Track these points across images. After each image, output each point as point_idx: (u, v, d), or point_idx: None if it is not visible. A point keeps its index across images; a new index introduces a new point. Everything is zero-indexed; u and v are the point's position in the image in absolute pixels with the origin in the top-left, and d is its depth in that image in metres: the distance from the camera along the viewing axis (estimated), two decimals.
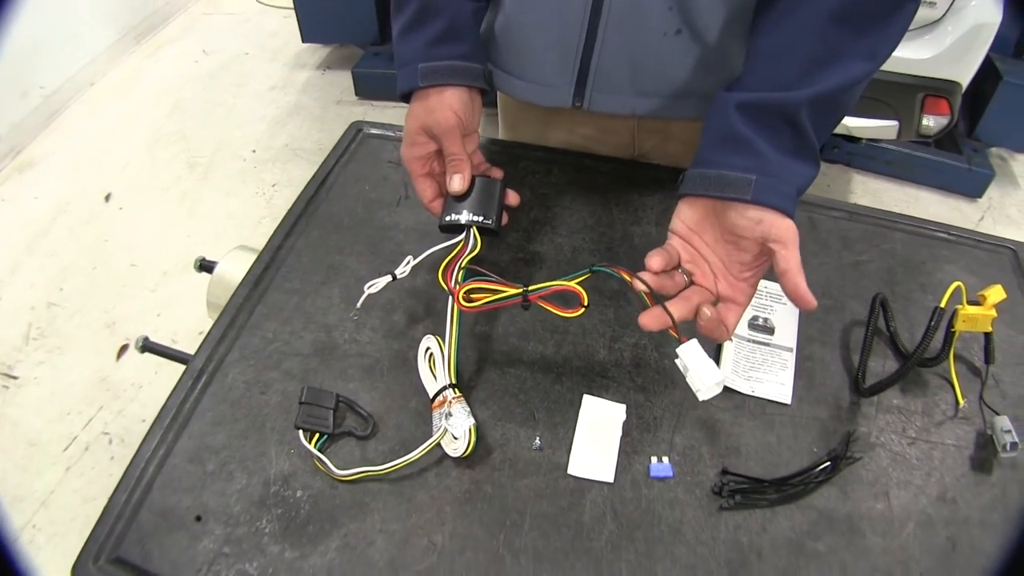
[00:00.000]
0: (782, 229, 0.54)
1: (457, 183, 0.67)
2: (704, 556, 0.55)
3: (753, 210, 0.55)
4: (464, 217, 0.67)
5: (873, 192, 2.30)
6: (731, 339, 0.67)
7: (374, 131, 0.92)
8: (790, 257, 0.53)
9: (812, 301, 0.53)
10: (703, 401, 0.56)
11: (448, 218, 0.67)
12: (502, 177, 0.71)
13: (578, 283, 0.58)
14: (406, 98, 0.69)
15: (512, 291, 0.59)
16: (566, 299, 0.59)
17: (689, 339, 0.57)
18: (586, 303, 0.58)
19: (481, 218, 0.67)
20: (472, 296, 0.60)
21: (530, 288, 0.58)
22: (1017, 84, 2.06)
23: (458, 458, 0.59)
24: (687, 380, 0.57)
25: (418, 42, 0.67)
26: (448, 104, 0.66)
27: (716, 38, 0.70)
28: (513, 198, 0.70)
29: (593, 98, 0.76)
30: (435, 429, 0.60)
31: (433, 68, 0.66)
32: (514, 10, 0.73)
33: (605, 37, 0.71)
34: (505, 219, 0.69)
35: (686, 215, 0.59)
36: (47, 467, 1.55)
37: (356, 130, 0.92)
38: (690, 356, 0.56)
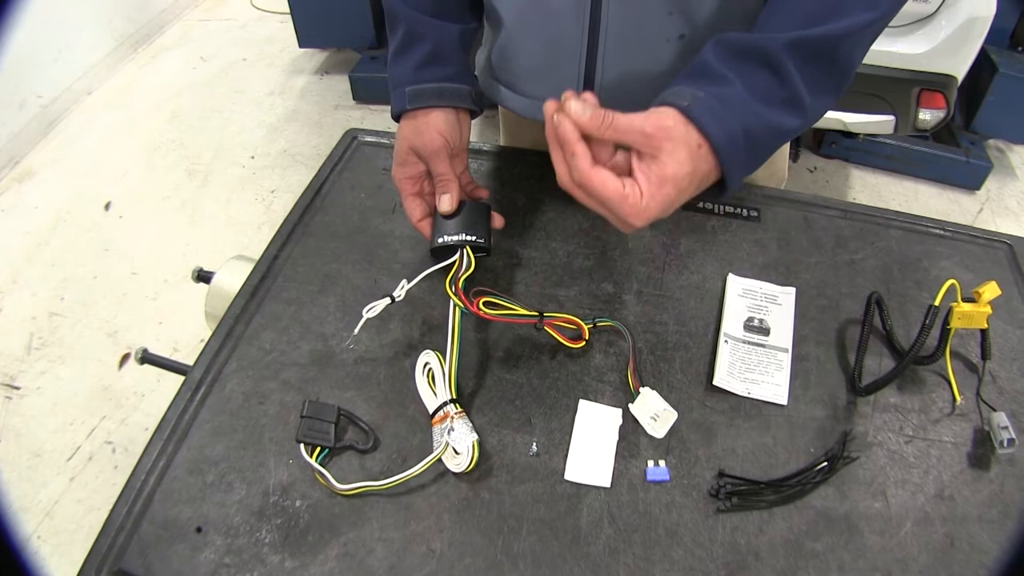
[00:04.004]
0: (665, 128, 0.50)
1: (446, 203, 0.68)
2: (702, 558, 0.55)
3: (674, 114, 0.51)
4: (455, 238, 0.68)
5: (872, 187, 2.30)
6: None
7: (368, 139, 0.92)
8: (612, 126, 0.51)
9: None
10: (698, 405, 0.58)
11: (440, 240, 0.68)
12: (488, 197, 0.73)
13: (588, 326, 0.66)
14: (399, 120, 0.70)
15: (528, 312, 0.65)
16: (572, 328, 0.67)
17: (640, 391, 0.63)
18: (587, 337, 0.67)
19: (473, 237, 0.68)
20: (487, 308, 0.64)
21: (545, 313, 0.65)
22: (1013, 76, 2.05)
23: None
24: (645, 428, 0.63)
25: (406, 66, 0.69)
26: (434, 126, 0.67)
27: None
28: (498, 221, 0.73)
29: None
30: (436, 444, 0.60)
31: (420, 91, 0.68)
32: (513, 27, 0.73)
33: (606, 48, 0.70)
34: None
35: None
36: (51, 477, 1.56)
37: (351, 138, 0.92)
38: (639, 407, 0.63)
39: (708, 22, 0.68)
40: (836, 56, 0.55)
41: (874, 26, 0.55)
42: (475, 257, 0.68)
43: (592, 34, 0.70)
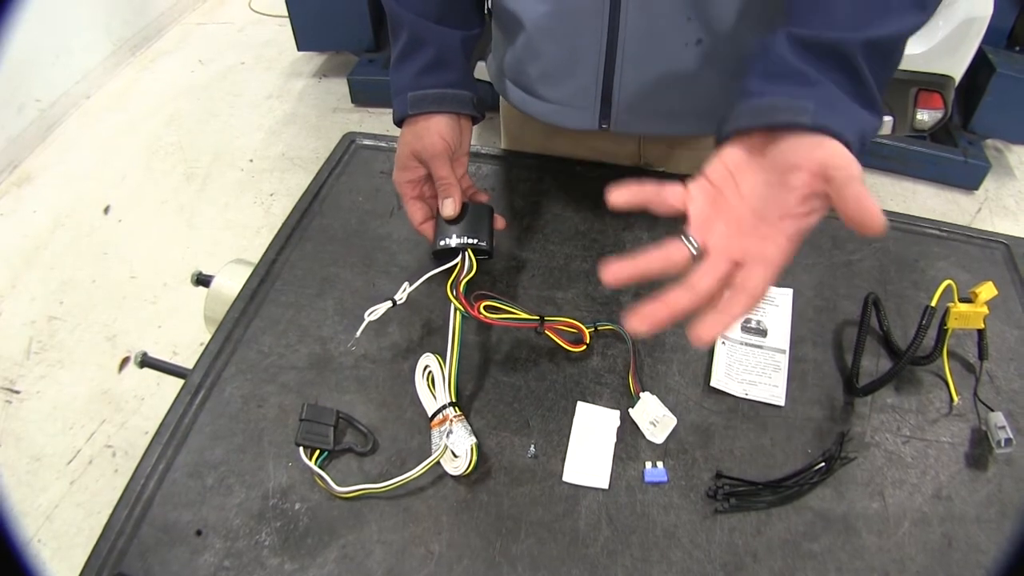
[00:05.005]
0: (843, 156, 0.46)
1: (448, 207, 0.68)
2: (700, 559, 0.55)
3: (811, 136, 0.47)
4: (457, 241, 0.68)
5: (870, 187, 2.23)
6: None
7: (367, 142, 0.92)
8: (854, 179, 0.45)
9: (879, 219, 0.45)
10: (696, 406, 0.58)
11: (442, 243, 0.68)
12: (488, 200, 0.73)
13: (588, 330, 0.67)
14: (400, 125, 0.70)
15: (529, 316, 0.65)
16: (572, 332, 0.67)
17: (640, 396, 0.63)
18: (588, 341, 0.67)
19: (475, 240, 0.68)
20: (488, 311, 0.64)
21: (546, 317, 0.66)
22: (1010, 76, 2.05)
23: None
24: (644, 433, 0.63)
25: (408, 72, 0.69)
26: (436, 130, 0.67)
27: (739, 46, 0.68)
28: (500, 223, 0.73)
29: (619, 119, 0.75)
30: (434, 447, 0.60)
31: (421, 96, 0.68)
32: (533, 30, 0.73)
33: (625, 52, 0.70)
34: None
35: (728, 155, 0.52)
36: (51, 481, 1.56)
37: (349, 141, 0.92)
38: (639, 412, 0.63)
39: (726, 27, 0.68)
40: (893, 58, 0.53)
41: (920, 28, 0.54)
42: (476, 260, 0.68)
43: (611, 38, 0.70)
